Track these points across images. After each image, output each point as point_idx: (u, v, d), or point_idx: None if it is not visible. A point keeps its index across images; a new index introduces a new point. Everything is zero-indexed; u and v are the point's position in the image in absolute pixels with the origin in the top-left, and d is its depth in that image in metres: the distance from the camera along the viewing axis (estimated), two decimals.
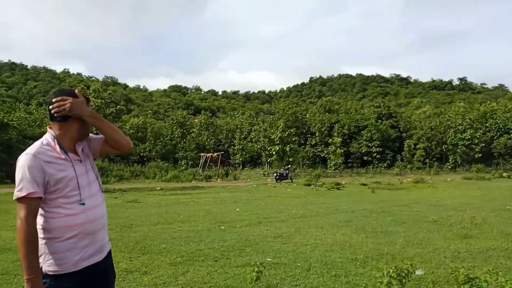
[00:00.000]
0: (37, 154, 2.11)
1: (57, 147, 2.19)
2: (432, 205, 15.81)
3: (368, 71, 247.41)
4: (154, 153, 63.78)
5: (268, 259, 6.94)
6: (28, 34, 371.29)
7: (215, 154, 48.41)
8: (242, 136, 74.91)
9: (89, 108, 2.29)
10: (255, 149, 70.61)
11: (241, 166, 69.10)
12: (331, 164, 57.57)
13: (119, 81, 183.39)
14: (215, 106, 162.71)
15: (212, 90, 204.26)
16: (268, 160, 54.47)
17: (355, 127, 68.93)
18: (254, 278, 5.22)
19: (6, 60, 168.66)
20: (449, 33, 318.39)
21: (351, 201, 18.17)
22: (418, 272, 5.78)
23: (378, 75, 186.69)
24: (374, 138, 64.33)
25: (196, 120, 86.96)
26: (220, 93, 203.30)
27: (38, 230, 2.12)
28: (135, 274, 5.87)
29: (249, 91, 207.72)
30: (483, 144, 57.95)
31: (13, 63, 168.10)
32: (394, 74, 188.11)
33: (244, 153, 71.13)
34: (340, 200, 18.82)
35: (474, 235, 8.99)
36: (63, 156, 2.18)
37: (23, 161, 2.09)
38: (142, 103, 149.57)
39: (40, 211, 2.15)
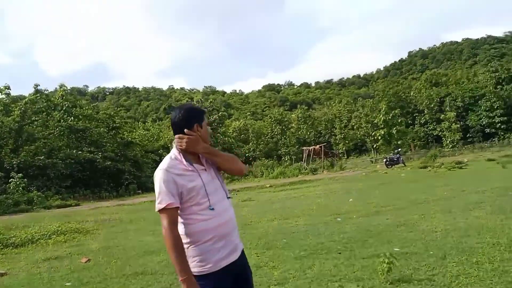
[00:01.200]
0: (168, 168, 2.33)
1: (184, 160, 2.40)
2: None
3: (475, 34, 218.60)
4: (258, 152, 66.06)
5: (395, 249, 6.59)
6: (135, 60, 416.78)
7: (317, 146, 48.06)
8: (342, 125, 73.02)
9: (204, 144, 2.48)
10: (358, 136, 68.22)
11: (345, 155, 67.40)
12: (447, 142, 52.54)
13: (218, 88, 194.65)
14: (310, 98, 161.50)
15: (304, 83, 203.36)
16: (374, 146, 52.14)
17: (471, 98, 61.80)
18: (386, 269, 4.98)
19: (121, 86, 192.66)
20: None
21: (479, 179, 16.29)
22: None
23: (489, 36, 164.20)
24: (495, 107, 56.86)
25: (293, 115, 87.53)
26: (313, 84, 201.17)
27: (181, 236, 2.35)
28: (265, 269, 6.10)
29: (343, 78, 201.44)
30: None
31: (127, 87, 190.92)
32: (509, 32, 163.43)
33: (346, 141, 69.21)
34: (466, 180, 17.03)
35: None
36: (190, 168, 2.39)
37: (158, 176, 2.34)
38: (240, 106, 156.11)
39: (180, 219, 2.38)
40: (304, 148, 50.58)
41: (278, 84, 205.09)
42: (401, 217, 9.66)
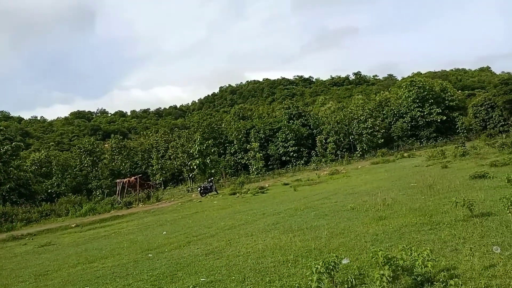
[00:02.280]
0: None
1: None
2: (348, 194, 16.94)
3: (273, 76, 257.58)
4: (63, 188, 58.64)
5: (202, 279, 6.79)
6: None
7: (133, 178, 46.17)
8: (159, 155, 72.59)
9: None
10: (175, 166, 68.96)
11: (162, 185, 66.87)
12: (253, 169, 58.66)
13: (12, 114, 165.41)
14: (125, 127, 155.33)
15: (119, 111, 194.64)
16: (190, 175, 53.62)
17: (270, 130, 71.28)
18: None
19: None
20: (340, 30, 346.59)
21: (276, 202, 18.67)
22: (344, 261, 6.13)
23: (283, 78, 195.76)
24: (289, 138, 67.13)
25: (106, 145, 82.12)
26: (129, 113, 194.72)
27: None
28: None
29: (160, 108, 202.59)
30: (384, 130, 64.09)
31: None
32: (297, 76, 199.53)
33: (163, 172, 68.89)
34: (266, 203, 19.22)
35: (388, 216, 9.82)
36: None
37: None
38: (41, 135, 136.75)
39: None
40: (118, 180, 47.68)
41: (89, 111, 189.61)
42: (210, 245, 10.09)
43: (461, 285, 3.92)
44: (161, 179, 68.38)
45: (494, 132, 53.54)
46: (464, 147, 32.62)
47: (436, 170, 21.11)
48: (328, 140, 64.68)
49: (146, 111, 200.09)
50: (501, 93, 56.23)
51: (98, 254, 11.37)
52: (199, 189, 35.28)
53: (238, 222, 13.70)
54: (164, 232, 14.17)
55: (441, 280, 4.54)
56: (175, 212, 22.79)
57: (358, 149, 63.14)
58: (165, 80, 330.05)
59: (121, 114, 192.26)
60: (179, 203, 29.61)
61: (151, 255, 10.04)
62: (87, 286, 7.46)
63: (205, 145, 47.56)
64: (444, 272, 4.91)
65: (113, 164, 71.39)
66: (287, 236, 9.47)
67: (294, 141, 66.89)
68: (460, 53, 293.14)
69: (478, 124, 62.82)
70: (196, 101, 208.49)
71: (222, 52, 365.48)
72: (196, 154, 47.02)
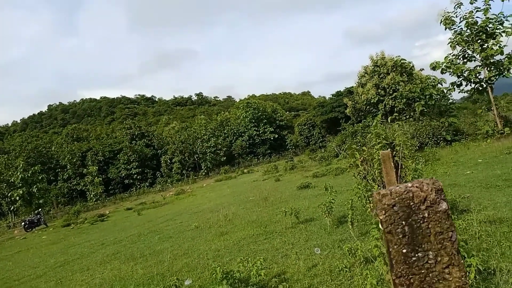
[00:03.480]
0: None
1: None
2: (193, 213, 17.13)
3: (112, 94, 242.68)
4: None
5: None
6: None
7: None
8: None
9: None
10: None
11: None
12: (91, 196, 53.59)
13: None
14: None
15: None
16: (12, 208, 45.36)
17: (110, 152, 66.67)
18: None
19: None
20: (179, 51, 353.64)
21: (118, 230, 17.45)
22: (187, 283, 6.11)
23: (123, 97, 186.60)
24: (132, 160, 64.00)
25: None
26: None
27: None
28: None
29: None
30: (225, 149, 67.50)
31: None
32: (139, 94, 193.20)
33: None
34: (106, 232, 17.76)
35: (229, 231, 10.30)
36: None
37: None
38: None
39: None
40: None
41: None
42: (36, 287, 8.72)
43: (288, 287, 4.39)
44: None
45: (315, 147, 62.46)
46: (292, 161, 37.03)
47: (270, 183, 23.31)
48: (174, 160, 64.34)
49: None
50: (319, 114, 66.18)
51: None
52: (23, 223, 30.20)
53: (72, 256, 12.25)
54: None
55: (272, 286, 4.99)
56: None
57: (203, 167, 64.65)
58: None
59: None
60: None
61: None
62: None
63: (30, 171, 41.32)
64: (275, 278, 5.41)
65: None
66: (128, 265, 8.94)
67: (137, 163, 64.11)
68: (286, 78, 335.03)
69: (303, 141, 72.26)
70: (18, 121, 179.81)
71: (49, 70, 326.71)
72: (19, 183, 40.43)
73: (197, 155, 65.78)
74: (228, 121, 79.58)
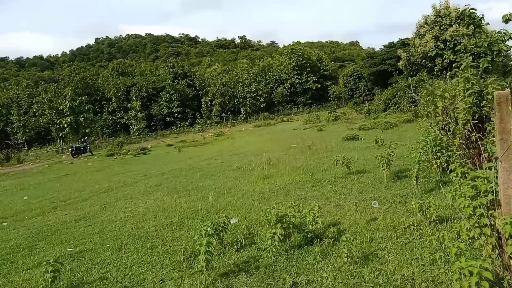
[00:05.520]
0: None
1: None
2: (234, 154, 16.96)
3: (156, 31, 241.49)
4: None
5: (69, 250, 5.80)
6: None
7: None
8: (22, 111, 62.96)
9: None
10: (41, 124, 60.79)
11: (25, 146, 58.59)
12: (134, 130, 55.26)
13: None
14: None
15: None
16: (60, 135, 47.82)
17: (153, 89, 67.56)
18: (50, 280, 4.13)
19: None
20: None
21: (160, 163, 17.71)
22: (233, 221, 5.84)
23: (168, 35, 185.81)
24: (173, 99, 64.73)
25: None
26: None
27: None
28: None
29: (22, 57, 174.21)
30: (266, 95, 66.40)
31: None
32: (183, 33, 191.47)
33: (27, 130, 60.15)
34: (148, 164, 18.11)
35: (272, 175, 9.93)
36: None
37: None
38: None
39: None
40: None
41: None
42: (81, 210, 8.90)
43: (353, 240, 3.91)
44: (23, 138, 59.75)
45: (360, 101, 60.08)
46: (335, 113, 35.77)
47: (313, 133, 22.61)
48: (214, 102, 64.46)
49: (4, 59, 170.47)
50: (367, 66, 62.75)
51: None
52: (70, 149, 31.72)
53: (116, 184, 12.51)
54: (25, 197, 12.18)
55: (330, 236, 4.54)
56: (40, 175, 19.99)
57: (242, 112, 64.44)
58: (25, 27, 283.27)
59: None
60: (46, 165, 26.17)
61: (5, 223, 8.43)
62: None
63: (77, 101, 42.79)
64: (332, 227, 4.96)
65: None
66: (172, 197, 8.86)
67: (179, 102, 64.81)
68: (333, 26, 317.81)
69: (347, 93, 69.59)
70: (67, 52, 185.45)
71: (96, 2, 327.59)
72: (67, 111, 42.12)
73: (237, 99, 65.36)
74: (271, 67, 77.59)
